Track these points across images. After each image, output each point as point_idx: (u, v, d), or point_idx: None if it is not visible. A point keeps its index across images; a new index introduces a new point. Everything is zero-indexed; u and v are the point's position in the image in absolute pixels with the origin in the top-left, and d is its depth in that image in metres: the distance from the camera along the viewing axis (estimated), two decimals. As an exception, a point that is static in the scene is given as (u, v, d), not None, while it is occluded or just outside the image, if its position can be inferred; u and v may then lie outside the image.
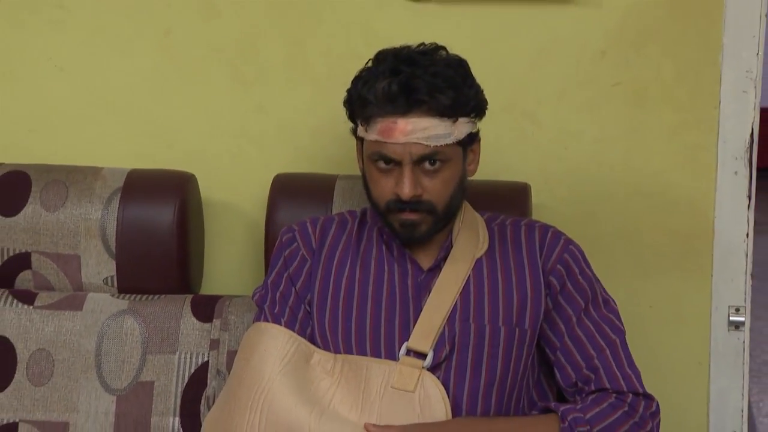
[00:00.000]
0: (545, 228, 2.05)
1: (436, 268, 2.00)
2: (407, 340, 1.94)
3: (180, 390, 2.20)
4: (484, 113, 1.97)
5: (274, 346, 1.97)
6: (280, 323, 2.00)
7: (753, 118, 2.32)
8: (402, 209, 1.92)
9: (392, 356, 1.95)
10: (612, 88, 2.33)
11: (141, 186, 2.27)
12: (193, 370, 2.20)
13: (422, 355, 1.93)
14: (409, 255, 2.01)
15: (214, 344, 2.21)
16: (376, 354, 1.96)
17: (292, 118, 2.40)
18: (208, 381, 2.20)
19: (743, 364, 2.36)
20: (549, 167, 2.35)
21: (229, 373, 2.07)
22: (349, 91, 1.95)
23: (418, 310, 1.97)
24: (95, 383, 2.19)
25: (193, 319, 2.22)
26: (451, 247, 2.00)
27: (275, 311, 2.02)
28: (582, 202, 2.36)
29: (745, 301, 2.35)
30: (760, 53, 2.30)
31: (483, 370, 1.94)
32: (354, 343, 1.97)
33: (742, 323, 2.34)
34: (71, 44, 2.43)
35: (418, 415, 1.88)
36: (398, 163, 1.90)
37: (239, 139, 2.42)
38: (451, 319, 1.96)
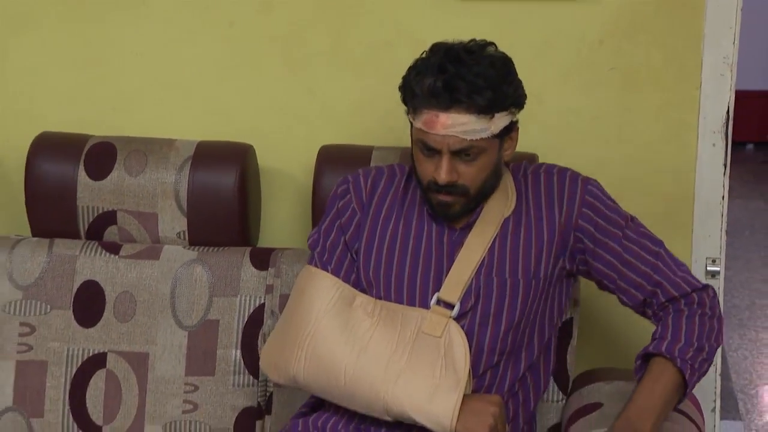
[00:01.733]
0: (562, 174, 1.99)
1: (467, 228, 1.97)
2: (439, 290, 1.94)
3: (241, 327, 2.21)
4: (523, 105, 1.92)
5: (321, 291, 1.97)
6: (327, 270, 1.99)
7: (729, 98, 2.31)
8: (438, 191, 1.89)
9: (425, 304, 1.94)
10: (608, 73, 2.33)
11: (208, 155, 2.27)
12: (251, 311, 2.21)
13: (450, 306, 1.92)
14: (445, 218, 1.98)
15: (269, 289, 2.22)
16: (411, 301, 1.95)
17: (334, 97, 2.39)
18: (264, 320, 2.21)
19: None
20: (553, 140, 2.34)
21: (281, 314, 2.07)
22: (404, 78, 1.91)
23: (450, 265, 1.96)
24: (170, 321, 2.22)
25: (252, 267, 2.23)
26: (482, 209, 1.97)
27: (324, 258, 2.01)
28: (581, 170, 2.22)
29: (720, 253, 2.36)
30: (736, 42, 2.29)
31: (503, 318, 1.94)
32: (393, 290, 1.97)
33: (718, 272, 2.35)
34: (149, 35, 2.43)
35: (442, 357, 1.88)
36: (438, 151, 1.86)
37: (290, 115, 2.42)
38: (477, 273, 1.94)
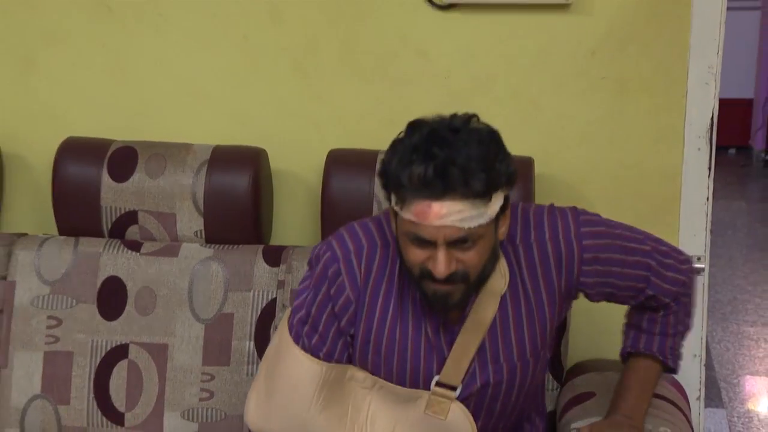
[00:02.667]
0: (555, 239, 1.75)
1: (463, 321, 1.75)
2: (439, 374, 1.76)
3: (254, 320, 2.20)
4: (515, 180, 1.67)
5: (312, 381, 1.78)
6: (318, 355, 1.79)
7: (713, 106, 2.29)
8: (435, 280, 1.64)
9: (425, 388, 1.78)
10: (600, 81, 2.31)
11: (223, 159, 2.26)
12: (264, 305, 2.20)
13: (453, 388, 1.75)
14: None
15: (281, 284, 2.20)
16: (413, 386, 1.78)
17: (343, 104, 2.38)
18: (276, 313, 2.20)
19: (703, 302, 2.35)
20: (548, 144, 2.32)
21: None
22: (383, 163, 1.65)
23: (449, 349, 1.76)
24: (188, 314, 2.21)
25: (264, 264, 2.22)
26: (478, 292, 1.74)
27: (314, 342, 1.79)
28: (575, 172, 2.34)
29: (705, 251, 2.34)
30: (719, 53, 2.27)
31: (513, 397, 1.81)
32: (394, 377, 1.79)
33: (703, 269, 2.32)
34: (169, 45, 2.42)
35: None
36: (432, 243, 1.61)
37: (301, 120, 2.41)
38: (481, 358, 1.75)
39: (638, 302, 1.85)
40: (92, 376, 2.21)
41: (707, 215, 2.34)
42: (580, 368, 2.16)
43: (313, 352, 1.79)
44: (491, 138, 1.64)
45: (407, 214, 1.61)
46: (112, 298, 2.23)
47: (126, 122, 2.44)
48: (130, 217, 2.27)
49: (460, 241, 1.61)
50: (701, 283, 2.33)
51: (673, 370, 1.88)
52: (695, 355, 2.37)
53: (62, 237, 2.30)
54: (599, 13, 2.29)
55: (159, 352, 2.21)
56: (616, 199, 2.31)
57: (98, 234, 2.29)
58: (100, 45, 2.43)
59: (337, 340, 1.79)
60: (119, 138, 2.34)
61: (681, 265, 1.86)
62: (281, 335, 1.85)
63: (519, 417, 1.90)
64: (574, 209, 1.80)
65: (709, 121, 2.30)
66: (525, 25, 2.31)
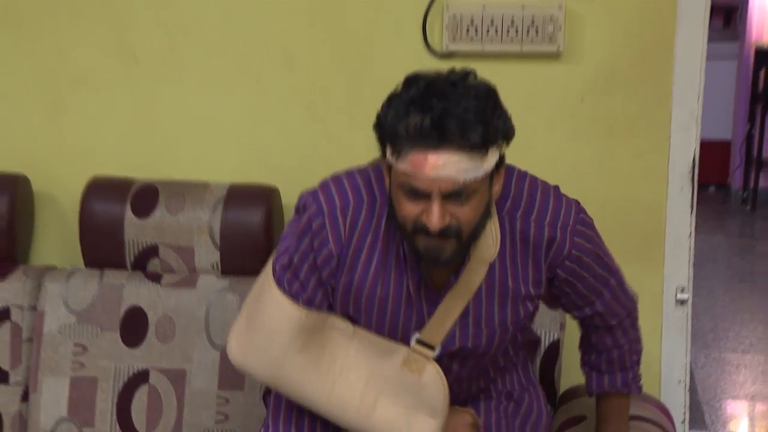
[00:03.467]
0: (554, 224, 1.67)
1: (450, 286, 1.67)
2: (420, 331, 1.69)
3: None
4: (512, 137, 1.59)
5: (291, 326, 1.68)
6: (298, 301, 1.69)
7: (695, 148, 2.30)
8: (428, 234, 1.54)
9: (405, 343, 1.71)
10: (589, 123, 2.32)
11: (238, 196, 2.27)
12: None
13: (431, 347, 1.68)
14: (426, 270, 1.67)
15: None
16: (392, 338, 1.71)
17: (351, 143, 2.36)
18: None
19: (686, 331, 2.37)
20: None
21: (248, 297, 1.82)
22: (378, 116, 1.57)
23: (432, 312, 1.68)
24: (205, 341, 2.22)
25: None
26: (468, 261, 1.65)
27: (294, 288, 1.69)
28: None
29: (688, 282, 2.34)
30: (700, 99, 2.29)
31: (487, 360, 1.78)
32: (373, 329, 1.71)
33: (686, 300, 2.34)
34: (189, 90, 2.43)
35: (420, 396, 1.68)
36: (426, 195, 1.52)
37: (312, 159, 2.40)
38: (462, 323, 1.68)
39: (582, 315, 1.80)
40: (115, 400, 2.22)
41: (690, 249, 2.34)
42: (573, 392, 2.16)
43: (293, 297, 1.69)
44: (488, 93, 1.56)
45: (402, 166, 1.51)
46: (134, 327, 2.24)
47: (149, 161, 2.45)
48: (151, 251, 2.28)
49: (454, 195, 1.51)
50: (685, 313, 2.35)
51: (639, 391, 1.89)
52: (680, 381, 2.38)
53: (88, 269, 2.31)
54: (588, 62, 2.31)
55: (177, 378, 2.21)
56: (605, 234, 2.24)
57: (122, 266, 2.30)
58: (126, 90, 2.45)
59: (318, 289, 1.69)
60: (142, 175, 2.36)
61: (631, 296, 1.84)
62: (264, 278, 1.75)
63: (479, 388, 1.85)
64: (577, 204, 1.74)
65: (691, 162, 2.31)
66: (519, 73, 2.32)
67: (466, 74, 1.57)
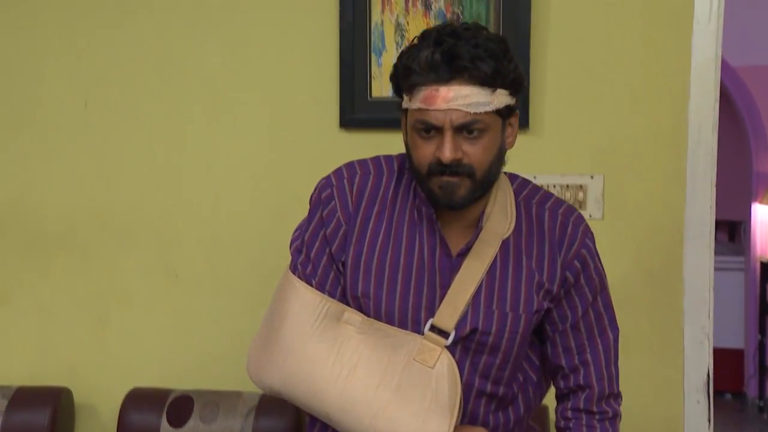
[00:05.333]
0: (567, 216, 1.68)
1: (465, 252, 1.64)
2: (432, 316, 1.62)
3: None
4: (521, 89, 1.61)
5: (305, 309, 1.63)
6: (311, 283, 1.65)
7: (708, 363, 2.31)
8: (443, 172, 1.55)
9: (417, 328, 1.63)
10: None
11: (271, 403, 2.29)
12: None
13: (445, 333, 1.61)
14: (440, 232, 1.64)
15: None
16: (403, 321, 1.63)
17: None
18: None
19: None
20: None
21: (264, 317, 1.75)
22: (395, 65, 1.60)
23: (445, 288, 1.63)
24: None
25: None
26: (481, 230, 1.64)
27: (308, 271, 1.66)
28: None
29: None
30: (710, 316, 2.31)
31: (500, 351, 1.65)
32: (384, 309, 1.63)
33: None
34: (225, 305, 2.48)
35: (433, 389, 1.59)
36: (440, 130, 1.54)
37: None
38: (475, 302, 1.62)
39: (570, 366, 1.71)
40: None
41: (710, 457, 2.31)
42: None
43: (306, 281, 1.66)
44: (501, 40, 1.59)
45: (415, 103, 1.55)
46: None
47: (186, 371, 2.49)
48: (185, 459, 2.27)
49: (466, 127, 1.54)
50: None
51: None
52: None
53: (124, 477, 2.30)
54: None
55: None
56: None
57: (156, 476, 2.29)
58: (167, 306, 2.52)
59: (329, 270, 1.66)
60: (179, 386, 2.40)
61: (614, 386, 1.77)
62: (283, 274, 1.74)
63: (505, 397, 1.72)
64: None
65: (705, 376, 2.31)
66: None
67: (480, 27, 1.60)
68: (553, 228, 1.67)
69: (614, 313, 1.76)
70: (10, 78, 2.54)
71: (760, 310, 6.63)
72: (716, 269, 2.35)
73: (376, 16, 2.37)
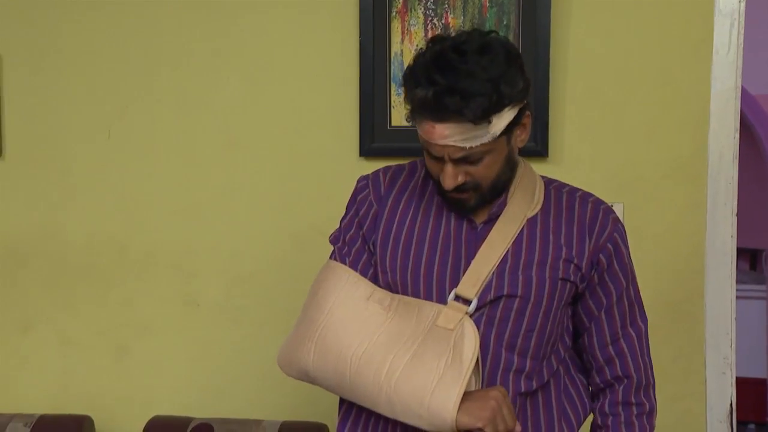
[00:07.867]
0: (597, 204, 1.71)
1: (489, 222, 1.66)
2: (457, 285, 1.63)
3: None
4: (528, 94, 1.58)
5: (338, 283, 1.69)
6: (345, 262, 1.72)
7: (731, 393, 2.30)
8: (450, 191, 1.61)
9: (442, 298, 1.64)
10: None
11: None
12: None
13: (468, 302, 1.62)
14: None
15: None
16: (428, 293, 1.65)
17: None
18: None
19: None
20: None
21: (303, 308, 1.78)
22: (403, 77, 1.60)
23: (469, 259, 1.65)
24: None
25: None
26: (505, 205, 1.67)
27: (343, 252, 1.73)
28: None
29: None
30: (732, 346, 2.30)
31: (526, 316, 1.64)
32: (410, 280, 1.67)
33: None
34: (244, 331, 2.47)
35: (451, 348, 1.58)
36: (441, 157, 1.59)
37: None
38: (500, 270, 1.64)
39: (605, 357, 1.73)
40: None
41: (734, 496, 2.28)
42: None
43: (341, 261, 1.73)
44: (499, 59, 1.54)
45: (419, 131, 1.59)
46: None
47: (205, 400, 2.48)
48: (203, 490, 2.27)
49: (464, 159, 1.58)
50: None
51: None
52: None
53: (142, 507, 2.30)
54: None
55: None
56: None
57: (175, 505, 2.28)
58: (187, 335, 2.53)
59: (362, 253, 1.72)
60: (199, 414, 2.40)
61: (650, 375, 1.77)
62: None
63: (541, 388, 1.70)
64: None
65: (728, 406, 2.30)
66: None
67: (483, 41, 1.56)
68: (584, 214, 1.69)
69: (643, 304, 1.76)
70: (33, 109, 2.56)
71: (782, 340, 6.53)
72: (738, 298, 2.35)
73: (395, 46, 2.38)
